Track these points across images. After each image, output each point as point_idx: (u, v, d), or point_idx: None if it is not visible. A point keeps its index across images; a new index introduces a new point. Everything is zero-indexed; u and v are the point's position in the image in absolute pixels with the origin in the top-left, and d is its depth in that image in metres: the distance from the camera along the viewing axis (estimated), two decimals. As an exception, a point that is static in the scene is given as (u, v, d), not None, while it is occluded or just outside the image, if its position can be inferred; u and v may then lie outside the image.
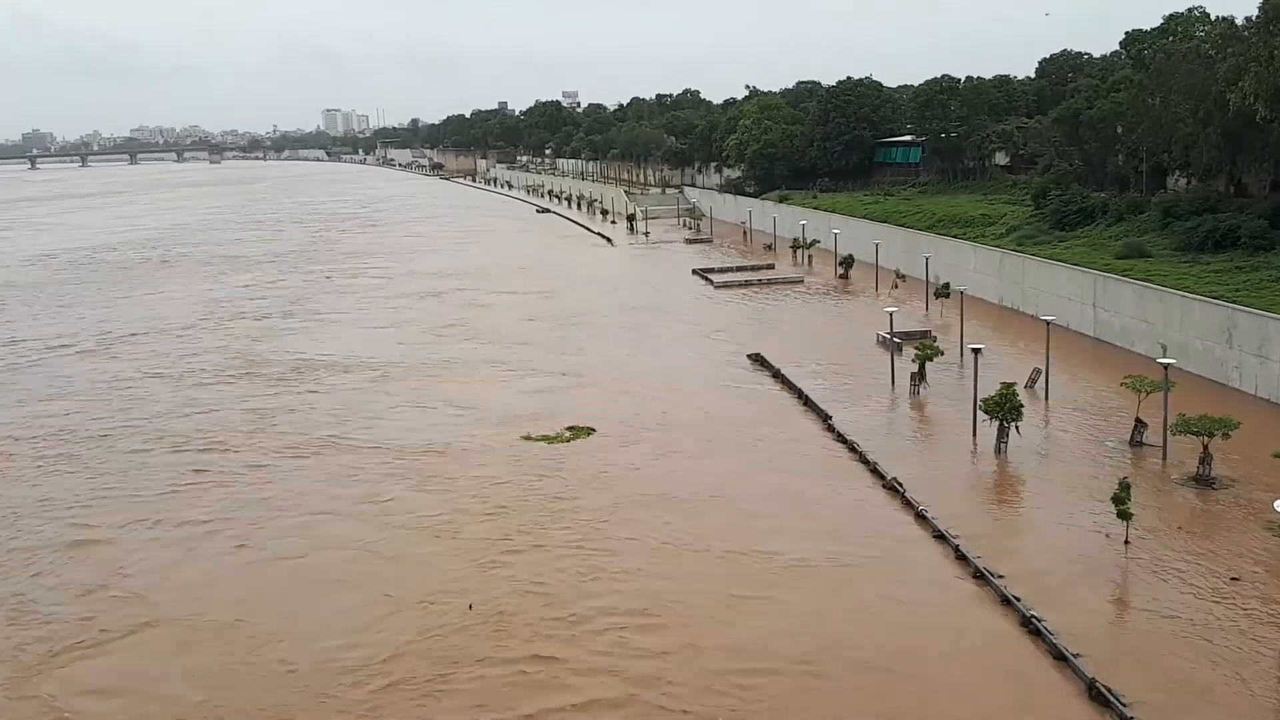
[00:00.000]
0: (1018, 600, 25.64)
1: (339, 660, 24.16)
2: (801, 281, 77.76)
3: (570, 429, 41.26)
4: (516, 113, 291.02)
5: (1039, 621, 24.56)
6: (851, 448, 37.95)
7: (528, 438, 40.30)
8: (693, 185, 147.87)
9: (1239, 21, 62.66)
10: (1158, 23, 75.66)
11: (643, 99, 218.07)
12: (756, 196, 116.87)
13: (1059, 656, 23.37)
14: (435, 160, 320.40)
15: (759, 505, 33.15)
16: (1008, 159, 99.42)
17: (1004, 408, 36.29)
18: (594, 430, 41.26)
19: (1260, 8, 56.54)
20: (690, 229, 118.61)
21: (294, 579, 28.78)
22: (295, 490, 35.62)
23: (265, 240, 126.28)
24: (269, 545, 31.07)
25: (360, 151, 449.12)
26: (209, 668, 24.08)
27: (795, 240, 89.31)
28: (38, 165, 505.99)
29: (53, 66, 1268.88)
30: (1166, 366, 36.26)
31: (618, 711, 22.01)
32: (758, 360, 51.96)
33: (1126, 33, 79.44)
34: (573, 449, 39.23)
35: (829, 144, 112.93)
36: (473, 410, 44.92)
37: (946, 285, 61.82)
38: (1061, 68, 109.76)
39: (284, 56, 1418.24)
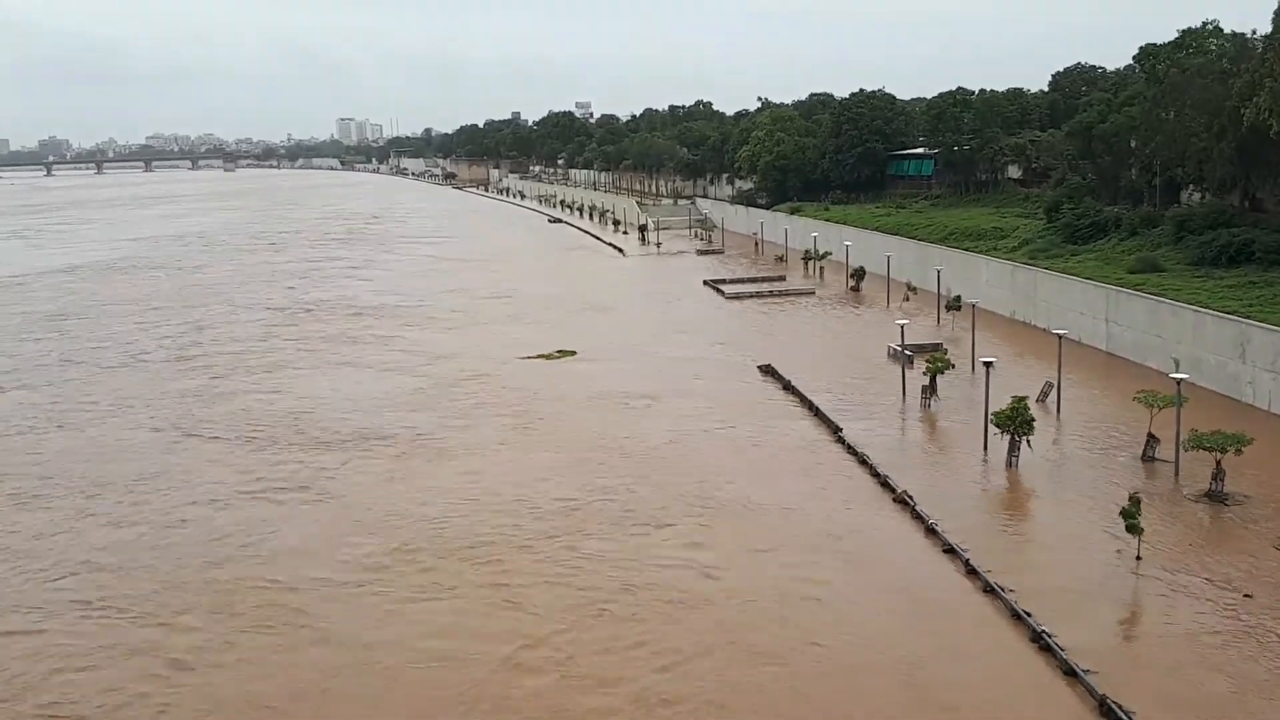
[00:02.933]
0: (1028, 615, 25.52)
1: (382, 418, 46.14)
2: (813, 293, 77.67)
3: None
4: (529, 123, 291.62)
5: (1049, 637, 24.43)
6: (862, 460, 37.87)
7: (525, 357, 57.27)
8: (705, 196, 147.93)
9: (1254, 36, 62.52)
10: (1172, 37, 75.38)
11: (655, 110, 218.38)
12: (768, 208, 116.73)
13: (1069, 672, 23.25)
14: (448, 170, 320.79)
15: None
16: (1020, 172, 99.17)
17: (1015, 421, 36.19)
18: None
19: (1274, 21, 56.39)
20: (702, 240, 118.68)
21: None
22: (369, 355, 60.25)
23: (310, 230, 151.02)
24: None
25: (374, 160, 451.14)
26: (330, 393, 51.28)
27: (807, 252, 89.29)
28: (53, 172, 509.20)
29: (69, 73, 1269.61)
30: (1179, 381, 36.05)
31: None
32: (768, 372, 51.90)
33: (1140, 47, 79.10)
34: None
35: (841, 156, 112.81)
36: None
37: (958, 298, 61.68)
38: (1075, 81, 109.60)
39: (298, 65, 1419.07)
